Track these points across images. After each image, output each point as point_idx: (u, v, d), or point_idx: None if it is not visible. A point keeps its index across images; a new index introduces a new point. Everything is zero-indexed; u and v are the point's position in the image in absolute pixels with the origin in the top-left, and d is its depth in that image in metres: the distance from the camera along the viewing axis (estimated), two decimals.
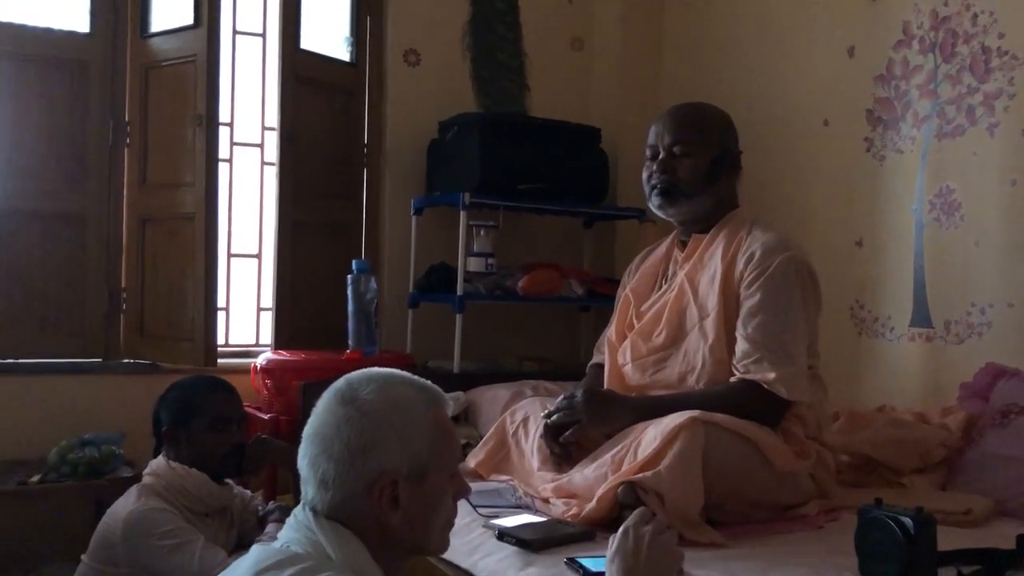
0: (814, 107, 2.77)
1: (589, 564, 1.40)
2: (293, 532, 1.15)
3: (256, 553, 1.15)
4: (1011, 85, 2.26)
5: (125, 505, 1.88)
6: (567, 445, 1.81)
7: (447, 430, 1.22)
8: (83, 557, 1.90)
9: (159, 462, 1.97)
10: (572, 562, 1.42)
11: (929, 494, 1.97)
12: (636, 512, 1.34)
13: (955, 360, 2.33)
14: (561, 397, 1.87)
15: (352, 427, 1.14)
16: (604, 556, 1.40)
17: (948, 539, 1.41)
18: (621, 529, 1.31)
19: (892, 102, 2.53)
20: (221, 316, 3.13)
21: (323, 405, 1.18)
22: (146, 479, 1.95)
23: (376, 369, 1.22)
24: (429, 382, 1.23)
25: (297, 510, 1.18)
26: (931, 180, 2.41)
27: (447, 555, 1.60)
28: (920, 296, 2.43)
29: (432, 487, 1.17)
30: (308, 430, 1.18)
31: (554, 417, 1.81)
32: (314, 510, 1.16)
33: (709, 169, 1.95)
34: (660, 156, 1.98)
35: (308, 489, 1.17)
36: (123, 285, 3.02)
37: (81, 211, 2.96)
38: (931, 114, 2.42)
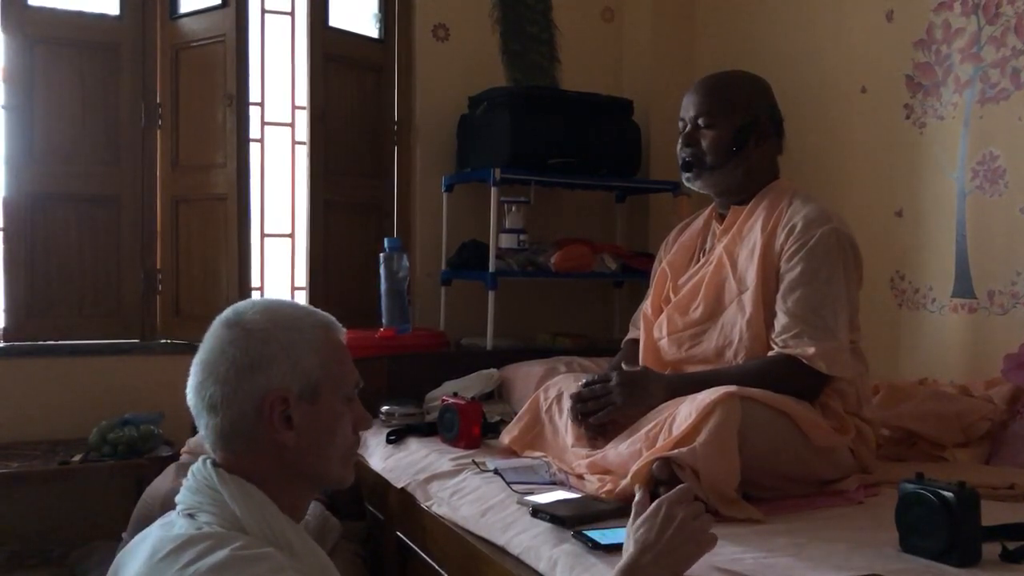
0: (851, 74, 2.71)
1: (596, 536, 1.38)
2: (193, 495, 1.12)
3: (152, 539, 1.10)
4: None
5: (163, 483, 1.90)
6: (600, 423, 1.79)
7: (340, 351, 1.20)
8: (123, 535, 1.93)
9: (197, 440, 1.99)
10: (579, 535, 1.41)
11: (972, 468, 1.93)
12: (679, 488, 1.28)
13: (999, 331, 2.27)
14: (592, 377, 1.85)
15: (238, 347, 1.12)
16: (613, 528, 1.39)
17: (992, 514, 1.38)
18: (656, 502, 1.26)
19: (932, 67, 2.46)
20: (255, 296, 3.15)
21: (209, 334, 1.16)
22: (184, 457, 1.97)
23: (261, 297, 1.21)
24: (321, 311, 1.21)
25: (196, 466, 1.15)
26: (974, 147, 2.35)
27: (481, 531, 1.61)
28: (962, 266, 2.37)
29: (327, 408, 1.15)
30: (195, 360, 1.15)
31: (589, 403, 1.79)
32: (215, 464, 1.13)
33: (733, 139, 1.91)
34: (687, 129, 1.96)
35: (199, 422, 1.14)
36: (158, 266, 3.05)
37: (116, 193, 2.99)
38: (974, 78, 2.35)
